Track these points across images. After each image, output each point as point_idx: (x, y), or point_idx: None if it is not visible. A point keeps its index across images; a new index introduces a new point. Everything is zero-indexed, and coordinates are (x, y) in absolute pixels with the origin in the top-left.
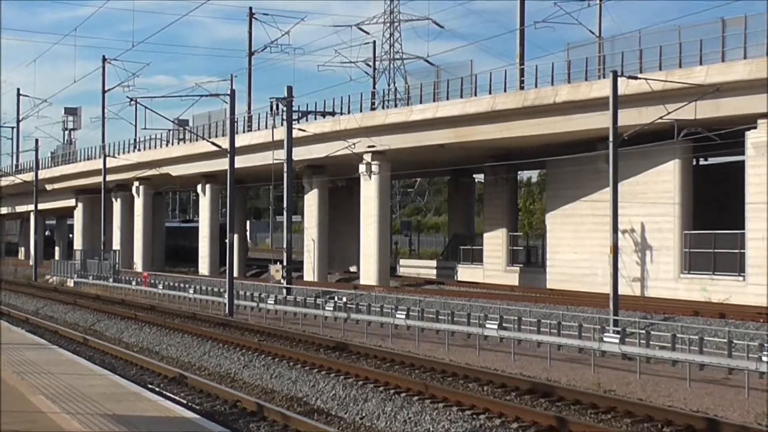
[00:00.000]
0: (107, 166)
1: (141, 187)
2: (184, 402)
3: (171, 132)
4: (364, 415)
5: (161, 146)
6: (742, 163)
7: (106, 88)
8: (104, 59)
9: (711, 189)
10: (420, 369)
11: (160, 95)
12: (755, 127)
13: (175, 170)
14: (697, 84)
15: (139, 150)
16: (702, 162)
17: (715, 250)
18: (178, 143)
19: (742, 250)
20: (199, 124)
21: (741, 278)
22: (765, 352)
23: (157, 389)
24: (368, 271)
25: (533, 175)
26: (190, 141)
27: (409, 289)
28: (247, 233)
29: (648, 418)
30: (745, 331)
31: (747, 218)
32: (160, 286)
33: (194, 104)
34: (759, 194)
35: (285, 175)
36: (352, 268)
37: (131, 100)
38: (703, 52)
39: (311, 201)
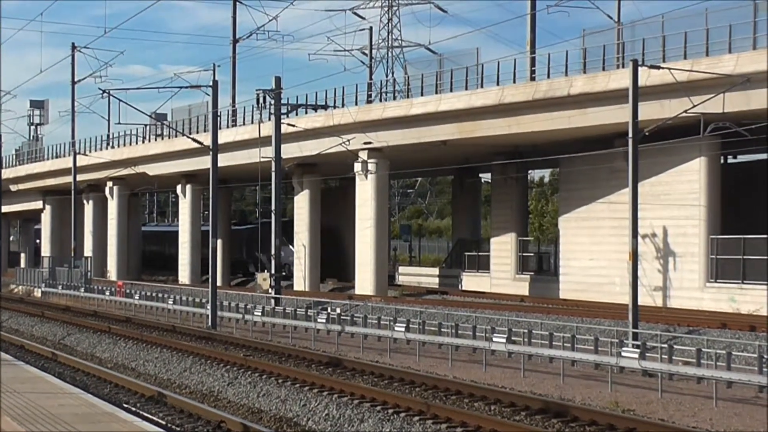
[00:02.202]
0: (78, 164)
1: (115, 188)
2: (163, 423)
3: (148, 127)
4: None
5: (137, 143)
6: None
7: (75, 79)
8: (74, 47)
9: (740, 190)
10: (421, 386)
11: (136, 87)
12: None
13: (153, 169)
14: (726, 74)
15: (112, 147)
16: (731, 160)
17: (745, 257)
18: (156, 140)
19: None
20: (179, 118)
21: None
22: None
23: (134, 409)
24: (364, 280)
25: (545, 174)
26: (169, 137)
27: (409, 300)
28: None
29: None
30: None
31: None
32: (137, 297)
33: (173, 97)
34: None
35: (273, 174)
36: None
37: (104, 92)
38: (732, 39)
39: (302, 203)
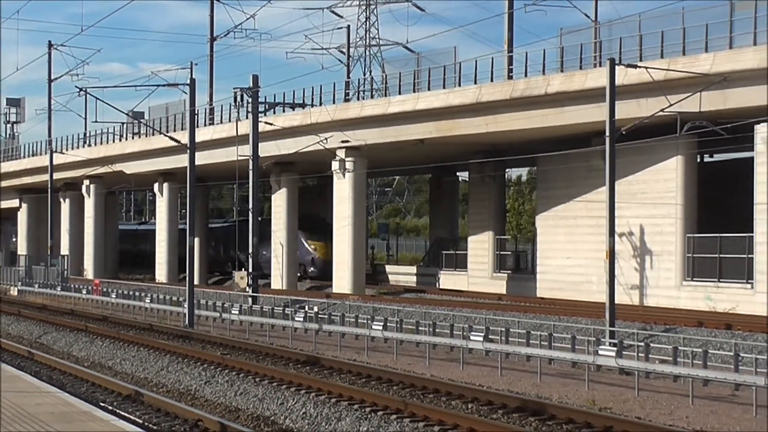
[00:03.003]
0: (54, 162)
1: (92, 186)
2: (140, 422)
3: (125, 125)
4: None
5: (114, 141)
6: (751, 159)
7: (52, 77)
8: (50, 45)
9: (717, 188)
10: (398, 385)
11: (113, 85)
12: (766, 121)
13: (130, 167)
14: (703, 73)
15: (89, 145)
16: (707, 159)
17: (721, 255)
18: (133, 138)
19: (750, 255)
20: (156, 116)
21: (749, 286)
22: None
23: (111, 408)
24: (342, 279)
25: (523, 173)
26: (146, 135)
27: (386, 298)
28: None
29: None
30: (753, 344)
31: (755, 220)
32: (113, 295)
33: (150, 95)
34: None
35: (250, 172)
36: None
37: (80, 90)
38: (709, 38)
39: (279, 201)
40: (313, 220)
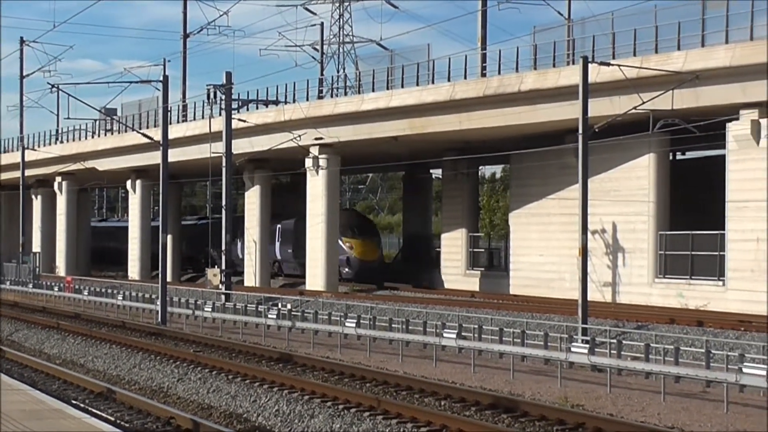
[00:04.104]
0: (26, 159)
1: (64, 183)
2: (112, 419)
3: (97, 122)
4: None
5: (86, 138)
6: (723, 157)
7: (24, 74)
8: (22, 41)
9: (688, 186)
10: (371, 382)
11: (85, 81)
12: (737, 119)
13: (102, 164)
14: (675, 71)
15: (61, 142)
16: (679, 156)
17: (693, 253)
18: (106, 135)
19: (721, 253)
20: (129, 113)
21: (720, 283)
22: (746, 364)
23: (82, 405)
24: (315, 276)
25: (496, 170)
26: (119, 132)
27: (359, 295)
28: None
29: None
30: (725, 341)
31: (727, 218)
32: (86, 292)
33: (123, 91)
34: (740, 191)
35: (224, 169)
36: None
37: (53, 86)
38: (681, 36)
39: (252, 198)
40: (348, 214)
